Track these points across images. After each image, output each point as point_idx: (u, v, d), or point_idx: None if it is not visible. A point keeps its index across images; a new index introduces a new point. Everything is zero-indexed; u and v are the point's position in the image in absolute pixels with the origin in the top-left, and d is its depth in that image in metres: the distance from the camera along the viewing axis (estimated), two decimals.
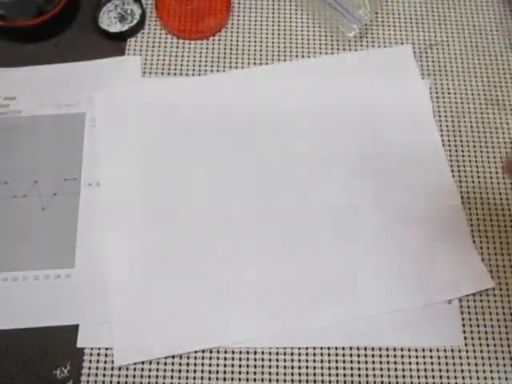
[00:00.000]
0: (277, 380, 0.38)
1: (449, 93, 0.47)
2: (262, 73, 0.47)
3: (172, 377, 0.38)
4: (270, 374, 0.38)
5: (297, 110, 0.45)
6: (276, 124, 0.45)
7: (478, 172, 0.44)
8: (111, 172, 0.43)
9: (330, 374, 0.38)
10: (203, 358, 0.38)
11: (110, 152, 0.43)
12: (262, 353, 0.38)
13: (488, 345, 0.39)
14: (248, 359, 0.38)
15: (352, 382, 0.38)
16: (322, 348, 0.38)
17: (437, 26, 0.50)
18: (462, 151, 0.45)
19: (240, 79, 0.47)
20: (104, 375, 0.37)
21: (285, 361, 0.38)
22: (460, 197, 0.43)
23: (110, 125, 0.44)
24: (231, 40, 0.49)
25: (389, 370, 0.38)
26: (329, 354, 0.38)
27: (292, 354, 0.38)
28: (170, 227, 0.41)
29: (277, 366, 0.38)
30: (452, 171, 0.44)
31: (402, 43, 0.49)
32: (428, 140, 0.45)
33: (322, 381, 0.38)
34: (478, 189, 0.44)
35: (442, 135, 0.45)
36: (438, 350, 0.38)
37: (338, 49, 0.48)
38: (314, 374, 0.38)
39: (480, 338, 0.39)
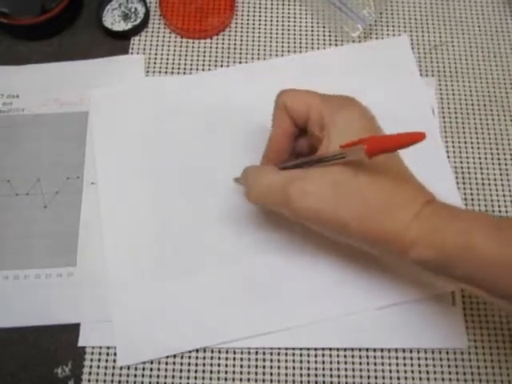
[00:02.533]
0: (278, 380, 0.38)
1: (453, 94, 0.47)
2: (258, 68, 0.47)
3: (173, 376, 0.38)
4: (270, 374, 0.38)
5: None
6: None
7: (481, 174, 0.44)
8: (107, 171, 0.42)
9: (331, 375, 0.38)
10: (204, 358, 0.38)
11: (106, 151, 0.43)
12: (263, 353, 0.38)
13: (491, 347, 0.38)
14: (249, 359, 0.38)
15: (354, 383, 0.38)
16: (323, 349, 0.38)
17: (442, 26, 0.50)
18: (466, 152, 0.45)
19: (237, 75, 0.46)
20: (105, 374, 0.37)
21: (286, 361, 0.38)
22: (461, 198, 0.43)
23: (106, 123, 0.44)
24: (235, 39, 0.48)
25: (391, 371, 0.38)
26: (330, 355, 0.38)
27: (293, 354, 0.38)
28: (169, 227, 0.41)
29: (278, 367, 0.38)
30: (456, 173, 0.44)
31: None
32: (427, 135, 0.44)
33: (324, 382, 0.38)
34: (482, 191, 0.43)
35: (445, 136, 0.45)
36: (440, 352, 0.38)
37: None
38: (316, 375, 0.38)
39: (483, 341, 0.39)
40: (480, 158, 0.45)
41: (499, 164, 0.44)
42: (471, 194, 0.43)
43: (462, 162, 0.44)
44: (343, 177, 0.31)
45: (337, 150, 0.30)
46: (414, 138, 0.27)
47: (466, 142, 0.45)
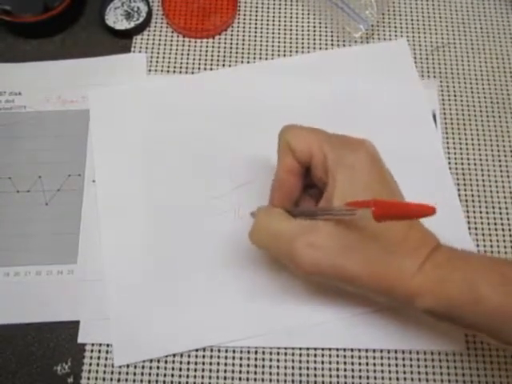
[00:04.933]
0: (277, 380, 0.38)
1: (455, 95, 0.47)
2: (260, 68, 0.47)
3: (172, 375, 0.38)
4: (270, 374, 0.38)
5: (290, 106, 0.45)
6: (274, 120, 0.44)
7: (483, 175, 0.44)
8: (105, 170, 0.42)
9: (330, 376, 0.38)
10: (204, 356, 0.38)
11: (104, 150, 0.43)
12: (263, 353, 0.38)
13: (490, 349, 0.38)
14: (248, 359, 0.38)
15: (353, 383, 0.38)
16: (323, 349, 0.38)
17: (443, 27, 0.50)
18: (467, 153, 0.45)
19: (239, 75, 0.46)
20: (105, 371, 0.37)
21: (285, 361, 0.38)
22: (459, 200, 0.42)
23: (104, 122, 0.44)
24: (237, 39, 0.48)
25: (390, 372, 0.38)
26: (330, 356, 0.38)
27: (293, 354, 0.38)
28: (168, 227, 0.41)
29: (277, 367, 0.38)
30: (457, 174, 0.44)
31: (408, 44, 0.48)
32: (426, 136, 0.44)
33: (323, 382, 0.38)
34: (483, 192, 0.43)
35: (447, 137, 0.45)
36: (439, 354, 0.38)
37: None
38: (315, 375, 0.38)
39: (482, 343, 0.39)
40: (481, 160, 0.45)
41: (500, 166, 0.44)
42: (472, 196, 0.43)
43: (463, 164, 0.44)
44: (350, 229, 0.30)
45: (345, 207, 0.29)
46: (425, 213, 0.26)
47: (467, 144, 0.45)
